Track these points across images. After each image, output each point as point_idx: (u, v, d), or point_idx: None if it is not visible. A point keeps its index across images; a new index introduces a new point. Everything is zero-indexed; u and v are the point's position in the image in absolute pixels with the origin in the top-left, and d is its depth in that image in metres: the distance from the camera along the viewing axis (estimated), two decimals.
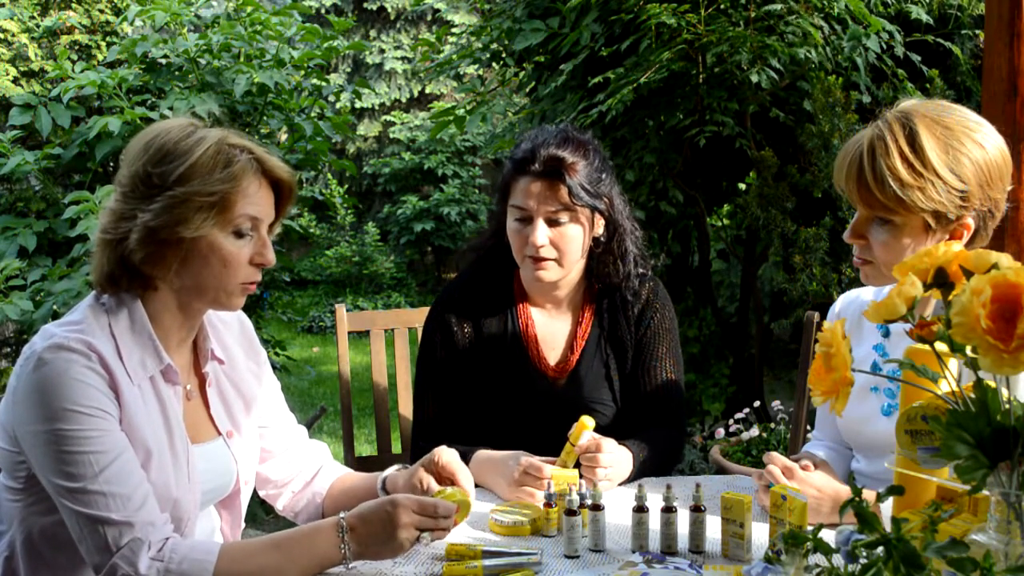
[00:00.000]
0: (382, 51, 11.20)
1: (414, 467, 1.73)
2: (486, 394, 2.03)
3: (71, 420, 1.40)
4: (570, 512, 1.53)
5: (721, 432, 3.85)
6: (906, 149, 1.57)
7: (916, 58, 3.97)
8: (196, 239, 1.48)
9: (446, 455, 1.70)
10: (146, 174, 1.48)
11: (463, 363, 2.04)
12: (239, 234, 1.52)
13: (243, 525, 1.75)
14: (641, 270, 2.08)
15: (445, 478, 1.69)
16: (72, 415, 1.40)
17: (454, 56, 4.76)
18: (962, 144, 1.57)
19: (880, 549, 0.92)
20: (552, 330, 2.07)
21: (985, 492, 0.97)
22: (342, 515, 1.47)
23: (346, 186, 10.72)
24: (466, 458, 1.86)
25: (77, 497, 1.39)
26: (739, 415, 3.89)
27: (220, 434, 1.66)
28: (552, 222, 1.92)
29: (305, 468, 1.83)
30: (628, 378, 2.04)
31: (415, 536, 1.46)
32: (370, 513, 1.47)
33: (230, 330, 1.75)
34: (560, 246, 1.93)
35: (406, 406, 2.60)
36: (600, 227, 2.00)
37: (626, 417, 2.03)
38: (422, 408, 2.06)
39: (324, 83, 4.30)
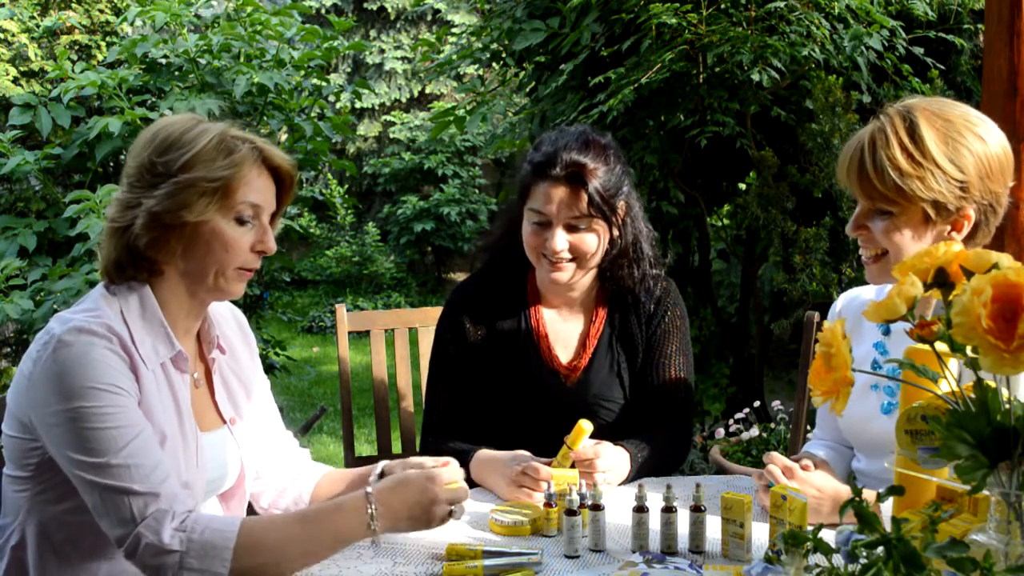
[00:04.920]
0: (382, 51, 11.18)
1: (421, 462, 1.69)
2: (498, 392, 2.03)
3: (92, 397, 1.41)
4: (570, 512, 1.54)
5: (721, 432, 3.85)
6: (905, 139, 1.58)
7: (919, 51, 3.96)
8: (199, 224, 1.52)
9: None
10: (151, 163, 1.53)
11: (475, 361, 2.04)
12: (241, 220, 1.56)
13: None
14: (655, 271, 2.08)
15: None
16: (93, 392, 1.41)
17: (454, 56, 4.76)
18: (962, 136, 1.58)
19: (880, 549, 0.92)
20: (564, 329, 2.07)
21: (985, 492, 0.97)
22: (369, 488, 1.46)
23: (346, 186, 10.70)
24: (467, 457, 1.87)
25: (100, 471, 1.40)
26: (739, 415, 3.88)
27: (225, 422, 1.68)
28: (571, 228, 1.92)
29: (288, 469, 1.83)
30: (638, 375, 2.05)
31: (447, 512, 1.48)
32: (405, 484, 1.47)
33: (227, 323, 1.79)
34: (579, 250, 1.93)
35: (406, 406, 2.60)
36: (616, 231, 1.98)
37: (634, 414, 2.03)
38: (433, 405, 2.07)
39: (324, 83, 4.30)
